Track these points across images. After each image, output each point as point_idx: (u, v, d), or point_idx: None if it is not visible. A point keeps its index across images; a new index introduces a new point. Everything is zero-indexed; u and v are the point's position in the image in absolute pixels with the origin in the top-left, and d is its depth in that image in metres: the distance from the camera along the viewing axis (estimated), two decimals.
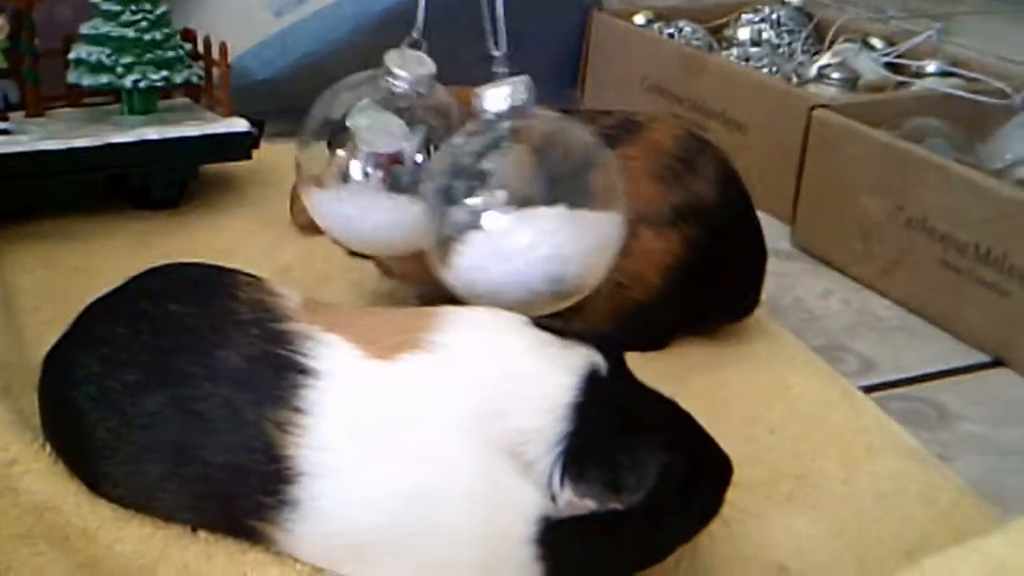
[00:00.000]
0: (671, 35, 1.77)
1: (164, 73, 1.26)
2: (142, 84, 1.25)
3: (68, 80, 1.27)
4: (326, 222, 0.99)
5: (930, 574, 0.68)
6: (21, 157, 1.18)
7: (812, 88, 1.56)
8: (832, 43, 1.72)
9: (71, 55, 1.26)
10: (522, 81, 0.89)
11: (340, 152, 0.95)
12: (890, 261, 1.27)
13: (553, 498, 0.63)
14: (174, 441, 0.66)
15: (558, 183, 0.89)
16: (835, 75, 1.56)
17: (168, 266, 0.76)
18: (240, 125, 1.30)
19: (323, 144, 0.97)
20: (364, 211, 0.96)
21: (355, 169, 0.95)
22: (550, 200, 0.88)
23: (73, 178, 1.22)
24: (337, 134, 0.96)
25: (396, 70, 0.94)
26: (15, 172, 1.18)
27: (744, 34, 1.79)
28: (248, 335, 0.68)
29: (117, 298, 0.74)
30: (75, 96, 1.32)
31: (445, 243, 0.89)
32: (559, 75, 1.82)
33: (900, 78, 1.62)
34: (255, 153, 1.33)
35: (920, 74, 1.61)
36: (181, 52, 1.29)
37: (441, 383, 0.65)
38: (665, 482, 0.64)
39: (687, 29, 1.79)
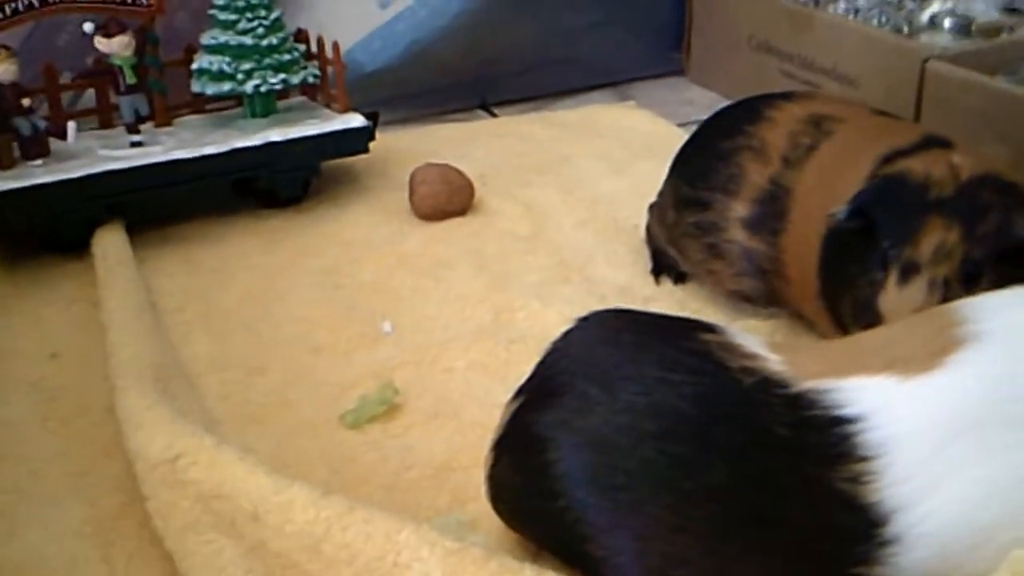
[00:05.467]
0: None
1: (282, 76, 1.31)
2: (263, 88, 1.30)
3: (192, 89, 1.33)
4: None
5: None
6: (157, 168, 1.24)
7: (925, 37, 1.52)
8: None
9: (194, 65, 1.31)
10: None
11: None
12: None
13: None
14: (747, 516, 0.67)
15: None
16: (948, 21, 1.52)
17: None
18: (357, 120, 1.34)
19: None
20: None
21: None
22: None
23: (205, 183, 1.27)
24: None
25: None
26: (152, 182, 1.24)
27: None
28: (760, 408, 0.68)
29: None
30: (199, 103, 1.37)
31: None
32: (662, 38, 1.81)
33: (1015, 20, 1.57)
34: (371, 145, 1.37)
35: None
36: (296, 54, 1.33)
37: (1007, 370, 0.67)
38: None
39: None
